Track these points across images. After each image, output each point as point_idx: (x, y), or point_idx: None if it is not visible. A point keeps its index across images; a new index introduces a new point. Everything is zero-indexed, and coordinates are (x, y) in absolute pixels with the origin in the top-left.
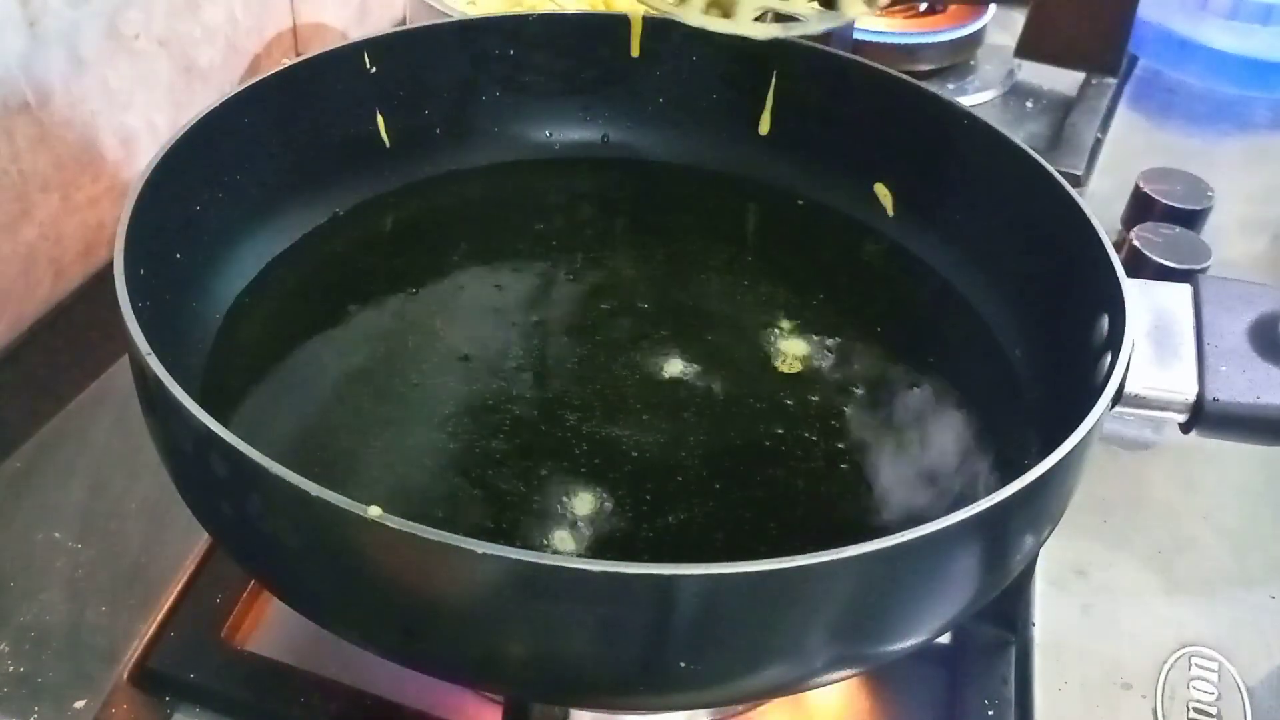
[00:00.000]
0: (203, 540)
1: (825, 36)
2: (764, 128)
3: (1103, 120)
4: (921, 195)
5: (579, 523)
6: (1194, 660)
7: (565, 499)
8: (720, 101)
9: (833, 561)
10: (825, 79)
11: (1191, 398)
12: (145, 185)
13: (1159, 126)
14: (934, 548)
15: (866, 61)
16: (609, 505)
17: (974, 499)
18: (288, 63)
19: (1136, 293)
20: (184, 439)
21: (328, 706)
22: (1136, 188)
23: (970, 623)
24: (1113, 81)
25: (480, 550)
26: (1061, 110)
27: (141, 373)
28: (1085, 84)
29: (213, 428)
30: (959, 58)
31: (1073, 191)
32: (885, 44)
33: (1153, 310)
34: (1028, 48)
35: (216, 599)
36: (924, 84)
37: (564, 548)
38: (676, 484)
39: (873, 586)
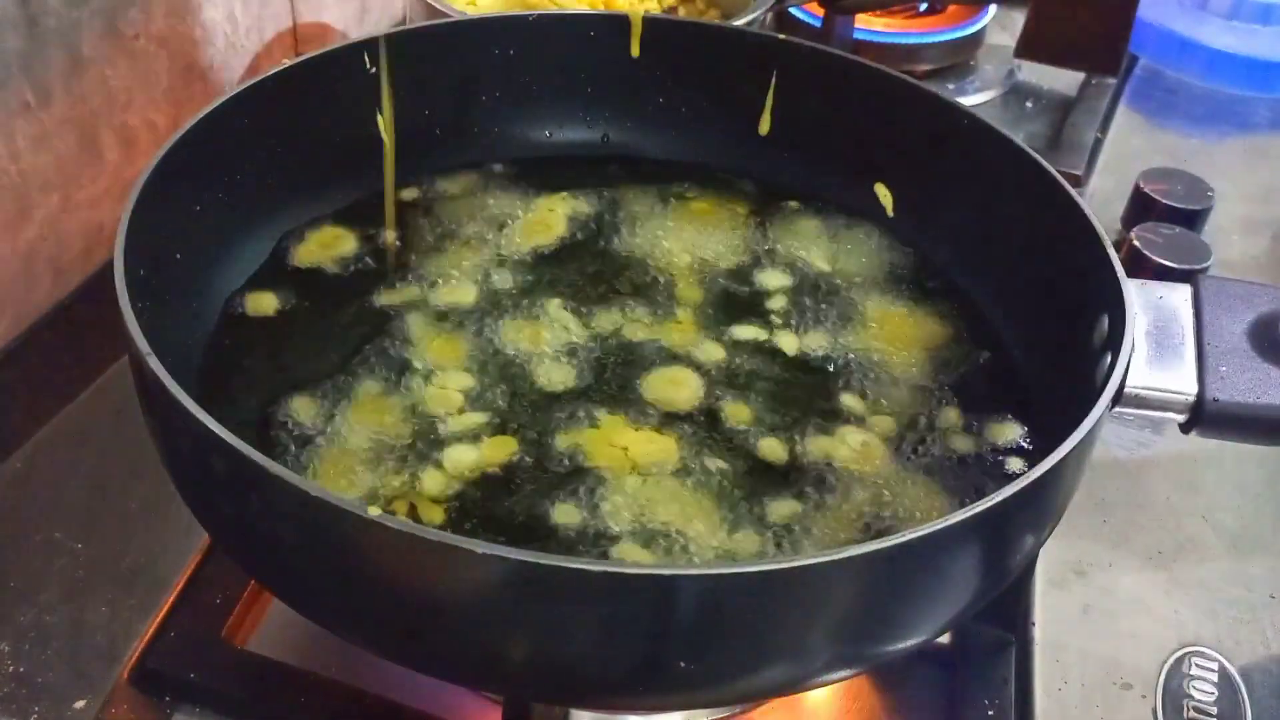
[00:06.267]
0: (203, 540)
1: (826, 36)
2: (764, 128)
3: (1103, 120)
4: (921, 195)
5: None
6: (1194, 660)
7: (573, 486)
8: (720, 101)
9: (833, 561)
10: (825, 79)
11: (1191, 398)
12: (145, 185)
13: (1159, 126)
14: (934, 548)
15: (866, 61)
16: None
17: (973, 499)
18: (288, 63)
19: (1136, 293)
20: (184, 439)
21: (328, 706)
22: (1136, 188)
23: (970, 623)
24: (1113, 81)
25: (480, 550)
26: (1061, 110)
27: (141, 373)
28: (1085, 84)
29: (213, 428)
30: (959, 58)
31: (1073, 191)
32: (885, 44)
33: (1153, 310)
34: (1028, 48)
35: (216, 599)
36: (924, 84)
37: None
38: (678, 473)
39: (873, 586)
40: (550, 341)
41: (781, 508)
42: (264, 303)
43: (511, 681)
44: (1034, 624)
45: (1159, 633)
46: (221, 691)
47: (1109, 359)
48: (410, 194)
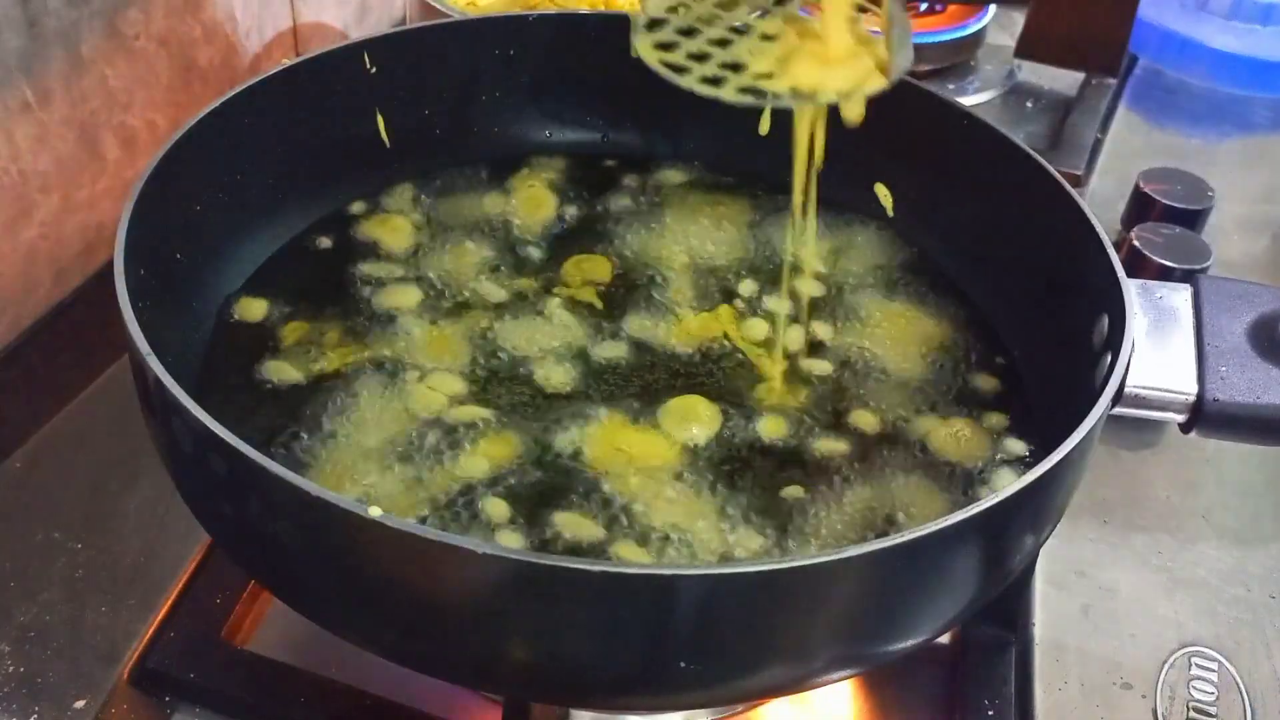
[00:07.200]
0: (203, 540)
1: None
2: (764, 128)
3: (1103, 120)
4: (921, 195)
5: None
6: (1194, 660)
7: (573, 486)
8: (720, 101)
9: (833, 561)
10: None
11: (1191, 398)
12: (145, 185)
13: (1159, 126)
14: (934, 548)
15: None
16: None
17: (974, 500)
18: (288, 63)
19: (1136, 293)
20: (184, 439)
21: (328, 706)
22: (1136, 188)
23: (970, 623)
24: (1113, 81)
25: (480, 550)
26: (1061, 110)
27: (141, 373)
28: (1085, 84)
29: (213, 428)
30: (959, 58)
31: (1073, 191)
32: None
33: (1153, 310)
34: (1028, 48)
35: (216, 599)
36: (924, 84)
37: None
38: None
39: (873, 586)
40: (550, 341)
41: (782, 507)
42: (263, 303)
43: (511, 681)
44: (1034, 624)
45: (1159, 633)
46: (221, 691)
47: (1109, 359)
48: (409, 193)
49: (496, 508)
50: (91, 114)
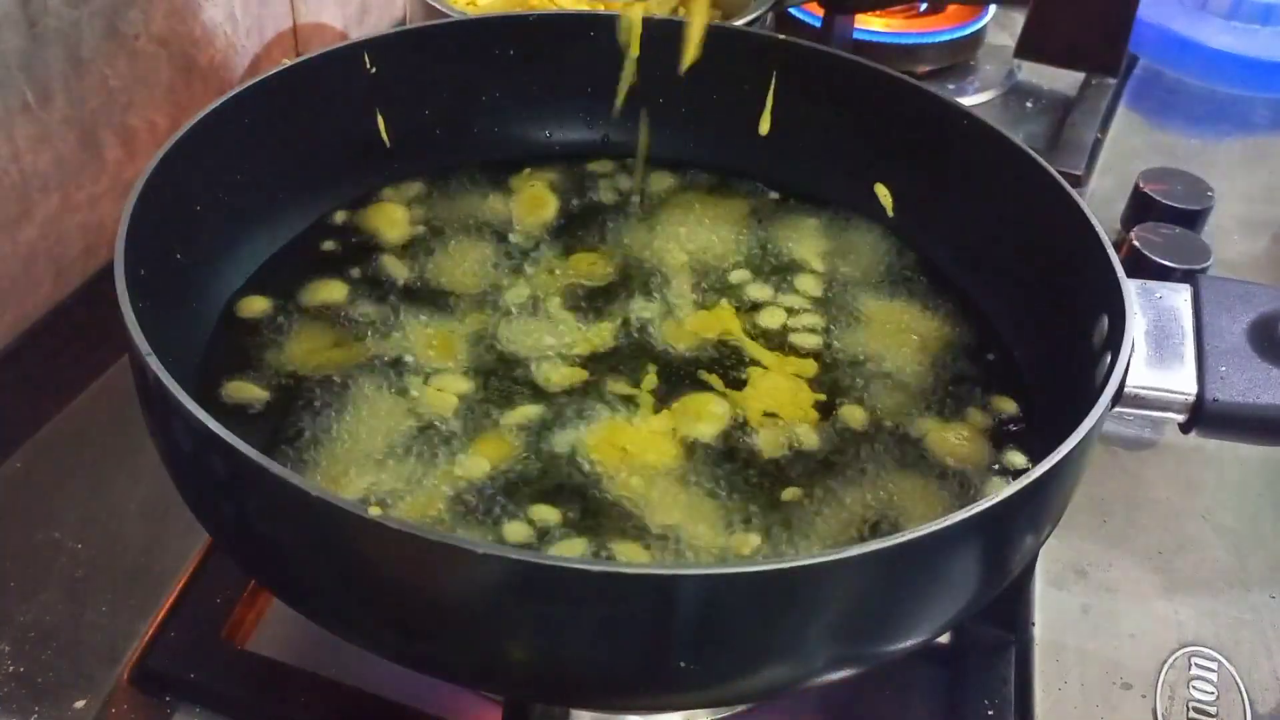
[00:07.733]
0: (203, 540)
1: (826, 36)
2: (764, 128)
3: (1103, 120)
4: (921, 195)
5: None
6: (1194, 660)
7: (573, 486)
8: (720, 101)
9: (833, 561)
10: (825, 79)
11: (1191, 398)
12: (145, 185)
13: (1159, 126)
14: (934, 548)
15: (866, 61)
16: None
17: (973, 500)
18: (288, 63)
19: (1136, 293)
20: (184, 439)
21: (328, 706)
22: (1136, 188)
23: (970, 623)
24: (1113, 81)
25: (480, 550)
26: (1061, 110)
27: (141, 373)
28: (1085, 84)
29: (213, 428)
30: (959, 58)
31: (1073, 191)
32: (885, 44)
33: (1153, 310)
34: (1028, 48)
35: (216, 599)
36: (924, 84)
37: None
38: (677, 475)
39: (873, 586)
40: (550, 340)
41: (782, 507)
42: (264, 302)
43: (511, 681)
44: (1034, 624)
45: (1159, 633)
46: (221, 691)
47: (1109, 359)
48: (409, 193)
49: (549, 514)
50: (91, 114)
